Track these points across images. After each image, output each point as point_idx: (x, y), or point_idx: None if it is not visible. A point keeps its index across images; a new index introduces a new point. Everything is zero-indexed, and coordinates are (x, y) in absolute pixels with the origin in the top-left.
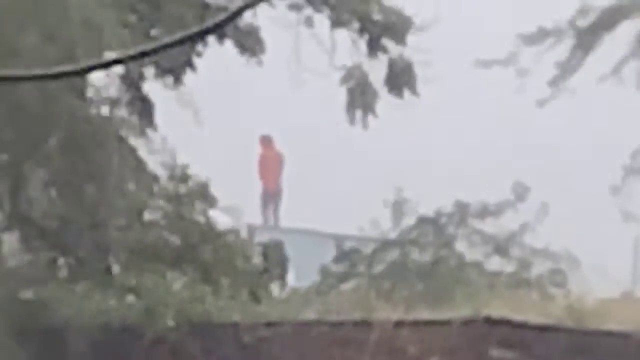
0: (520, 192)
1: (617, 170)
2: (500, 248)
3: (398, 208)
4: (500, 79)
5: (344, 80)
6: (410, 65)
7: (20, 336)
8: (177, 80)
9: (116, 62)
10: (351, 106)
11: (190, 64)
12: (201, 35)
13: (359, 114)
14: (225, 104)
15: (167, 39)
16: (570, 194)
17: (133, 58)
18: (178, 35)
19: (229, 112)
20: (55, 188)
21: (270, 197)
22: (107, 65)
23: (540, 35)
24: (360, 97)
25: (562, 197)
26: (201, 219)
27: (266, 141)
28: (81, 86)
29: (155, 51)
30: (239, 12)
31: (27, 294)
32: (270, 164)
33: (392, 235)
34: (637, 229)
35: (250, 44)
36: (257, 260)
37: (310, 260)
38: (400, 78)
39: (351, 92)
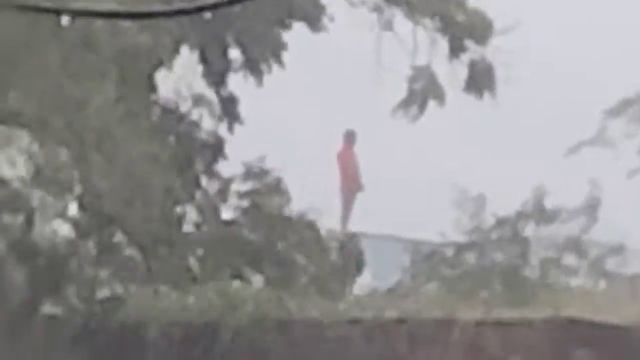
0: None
1: None
2: (577, 247)
3: (473, 209)
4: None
5: (412, 80)
6: (491, 67)
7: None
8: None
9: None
10: (407, 103)
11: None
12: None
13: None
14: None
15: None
16: None
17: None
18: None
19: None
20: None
21: (352, 194)
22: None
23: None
24: (420, 95)
25: None
26: (277, 213)
27: (350, 137)
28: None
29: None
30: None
31: (104, 293)
32: (351, 161)
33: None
34: None
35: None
36: (334, 257)
37: (388, 264)
38: (481, 79)
39: (412, 91)
